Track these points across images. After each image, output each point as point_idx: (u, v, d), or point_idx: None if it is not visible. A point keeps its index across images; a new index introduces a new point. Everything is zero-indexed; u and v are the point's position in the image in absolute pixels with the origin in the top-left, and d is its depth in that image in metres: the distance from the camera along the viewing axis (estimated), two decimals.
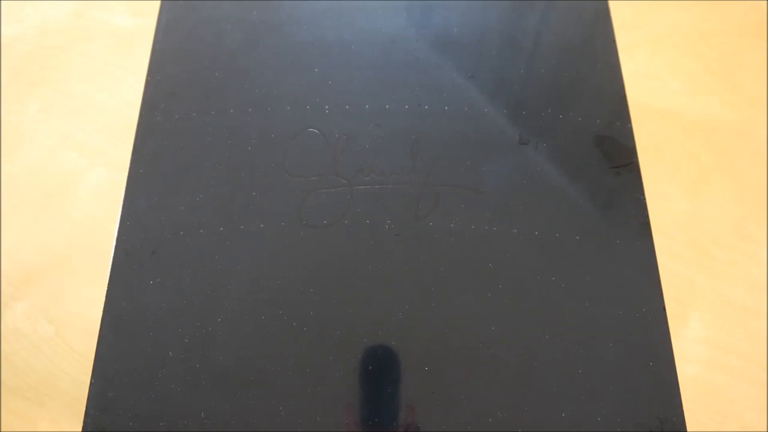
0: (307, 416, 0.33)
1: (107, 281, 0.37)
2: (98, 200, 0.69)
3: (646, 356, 0.35)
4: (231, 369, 0.34)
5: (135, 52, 0.81)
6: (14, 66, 0.79)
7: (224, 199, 0.39)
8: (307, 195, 0.39)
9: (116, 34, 0.82)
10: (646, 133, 0.72)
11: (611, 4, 0.48)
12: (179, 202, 0.39)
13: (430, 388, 0.34)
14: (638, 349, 0.35)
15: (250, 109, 0.42)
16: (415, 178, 0.40)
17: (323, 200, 0.39)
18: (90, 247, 0.66)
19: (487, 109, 0.43)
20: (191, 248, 0.38)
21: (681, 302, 0.62)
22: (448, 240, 0.38)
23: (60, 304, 0.63)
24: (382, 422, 0.33)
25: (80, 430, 0.33)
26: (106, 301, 0.36)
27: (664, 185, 0.69)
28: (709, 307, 0.62)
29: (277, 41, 0.46)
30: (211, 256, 0.37)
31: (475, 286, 0.37)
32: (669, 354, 0.35)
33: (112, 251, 0.38)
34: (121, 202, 0.39)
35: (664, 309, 0.36)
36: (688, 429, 0.33)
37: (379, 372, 0.34)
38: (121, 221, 0.39)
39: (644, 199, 0.39)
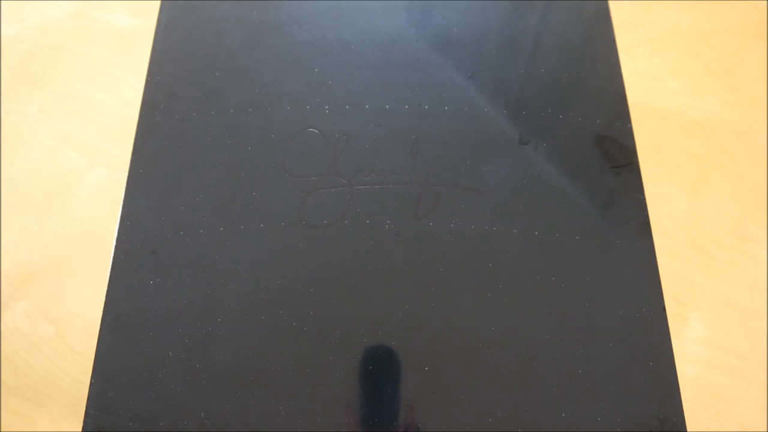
0: (307, 416, 0.33)
1: (107, 281, 0.37)
2: (98, 200, 0.69)
3: (646, 356, 0.35)
4: (231, 369, 0.34)
5: (135, 52, 0.81)
6: (14, 66, 0.79)
7: (224, 199, 0.39)
8: (307, 195, 0.39)
9: (116, 34, 0.82)
10: (646, 133, 0.72)
11: (611, 4, 0.48)
12: (179, 202, 0.39)
13: (430, 388, 0.34)
14: (638, 349, 0.35)
15: (250, 109, 0.42)
16: (415, 178, 0.40)
17: (323, 200, 0.39)
18: (90, 247, 0.66)
19: (487, 109, 0.43)
20: (191, 248, 0.38)
21: (681, 302, 0.62)
22: (448, 240, 0.38)
23: (60, 304, 0.63)
24: (382, 422, 0.33)
25: (80, 430, 0.33)
26: (106, 301, 0.36)
27: (664, 185, 0.69)
28: (709, 307, 0.61)
29: (277, 41, 0.46)
30: (211, 256, 0.37)
31: (475, 286, 0.37)
32: (669, 354, 0.35)
33: (112, 251, 0.38)
34: (121, 202, 0.39)
35: (664, 309, 0.36)
36: (688, 429, 0.33)
37: (379, 372, 0.34)
38: (121, 221, 0.39)
39: (644, 199, 0.39)
